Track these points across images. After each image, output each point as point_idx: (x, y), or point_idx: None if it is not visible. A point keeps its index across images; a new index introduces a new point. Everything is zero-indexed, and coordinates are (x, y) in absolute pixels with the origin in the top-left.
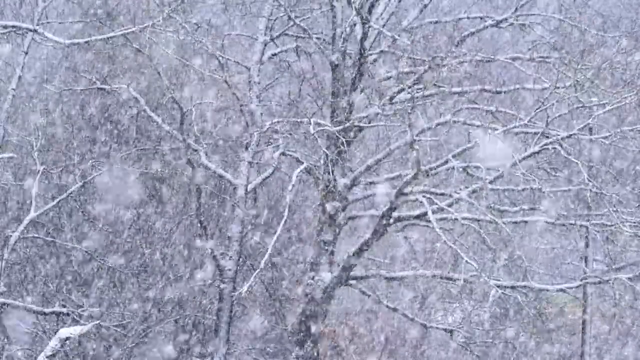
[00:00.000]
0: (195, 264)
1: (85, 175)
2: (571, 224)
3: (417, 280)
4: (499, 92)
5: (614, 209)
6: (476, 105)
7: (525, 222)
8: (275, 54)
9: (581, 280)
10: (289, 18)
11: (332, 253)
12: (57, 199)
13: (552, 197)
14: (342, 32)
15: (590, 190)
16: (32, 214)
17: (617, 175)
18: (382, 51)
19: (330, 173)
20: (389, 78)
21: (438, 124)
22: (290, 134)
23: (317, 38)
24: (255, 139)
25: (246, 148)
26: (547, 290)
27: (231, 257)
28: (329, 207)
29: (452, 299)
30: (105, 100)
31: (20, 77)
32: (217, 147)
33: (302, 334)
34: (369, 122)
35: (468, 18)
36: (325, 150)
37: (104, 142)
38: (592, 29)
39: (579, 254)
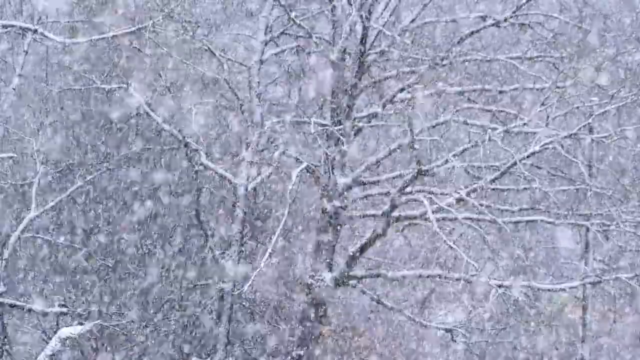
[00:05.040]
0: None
1: (84, 175)
2: (571, 223)
3: (417, 280)
4: (499, 92)
5: (614, 208)
6: (476, 105)
7: (525, 222)
8: (275, 54)
9: (581, 280)
10: (289, 17)
11: (332, 253)
12: (57, 199)
13: (552, 196)
14: (342, 32)
15: (590, 190)
16: (32, 214)
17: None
18: (382, 51)
19: (330, 173)
20: (389, 78)
21: (438, 124)
22: (290, 134)
23: (318, 38)
24: (255, 139)
25: (246, 148)
26: (547, 290)
27: (231, 257)
28: (329, 207)
29: (452, 298)
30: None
31: (20, 77)
32: (218, 147)
33: (302, 334)
34: (369, 122)
35: (468, 18)
36: (326, 150)
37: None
38: (593, 29)
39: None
